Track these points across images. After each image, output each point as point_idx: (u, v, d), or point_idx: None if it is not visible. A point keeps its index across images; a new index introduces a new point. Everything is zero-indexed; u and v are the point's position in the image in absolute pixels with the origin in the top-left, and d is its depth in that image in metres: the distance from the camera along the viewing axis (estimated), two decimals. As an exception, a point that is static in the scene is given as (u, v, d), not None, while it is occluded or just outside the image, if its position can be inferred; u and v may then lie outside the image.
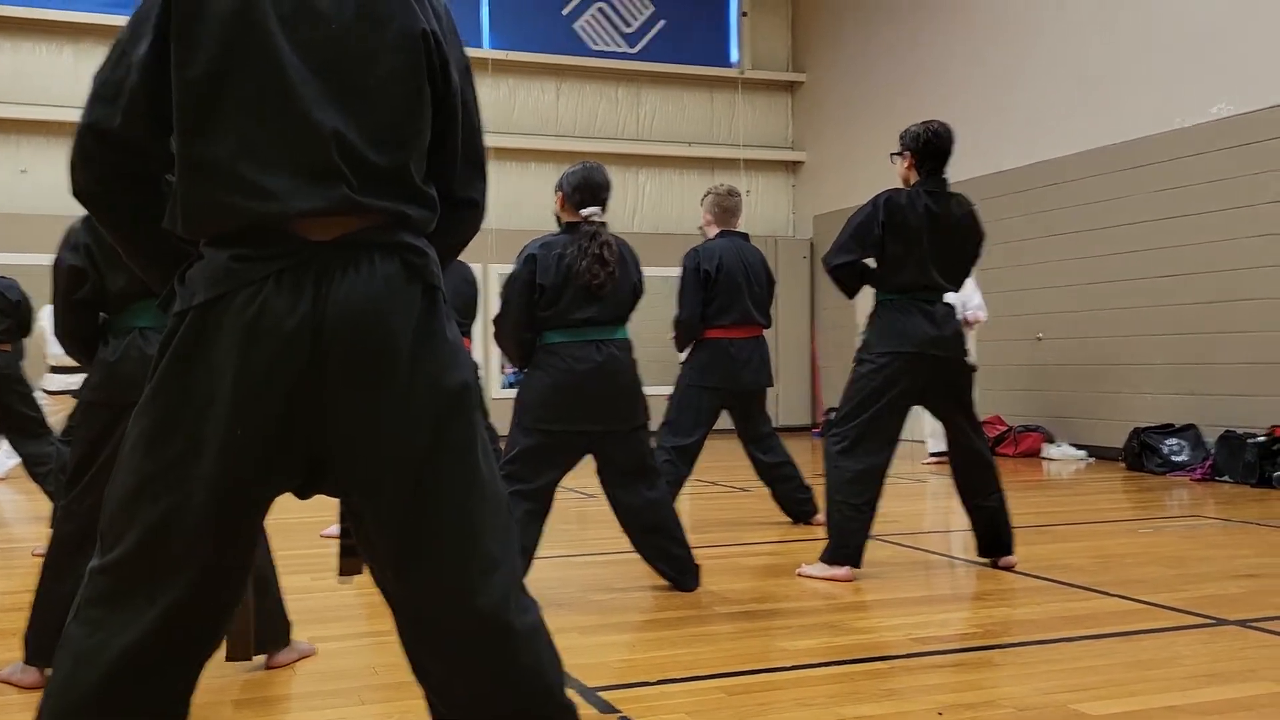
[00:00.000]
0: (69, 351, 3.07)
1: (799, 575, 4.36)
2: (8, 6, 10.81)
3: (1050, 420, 9.70)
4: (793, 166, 13.72)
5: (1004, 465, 8.50)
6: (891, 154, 4.50)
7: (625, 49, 12.97)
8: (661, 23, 13.06)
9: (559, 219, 4.06)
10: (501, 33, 12.41)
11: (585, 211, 3.93)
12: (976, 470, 4.47)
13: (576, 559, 4.87)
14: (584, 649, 3.31)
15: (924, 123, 4.42)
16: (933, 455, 8.85)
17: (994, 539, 4.53)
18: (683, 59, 13.10)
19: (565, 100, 12.76)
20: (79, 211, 3.11)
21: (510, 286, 3.91)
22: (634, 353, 4.05)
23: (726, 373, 5.47)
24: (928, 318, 4.31)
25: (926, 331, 4.28)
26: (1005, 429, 9.63)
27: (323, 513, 5.43)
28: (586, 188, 3.94)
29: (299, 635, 3.29)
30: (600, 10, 12.87)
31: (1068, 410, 9.60)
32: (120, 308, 2.95)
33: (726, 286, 5.44)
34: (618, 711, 2.69)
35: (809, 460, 9.67)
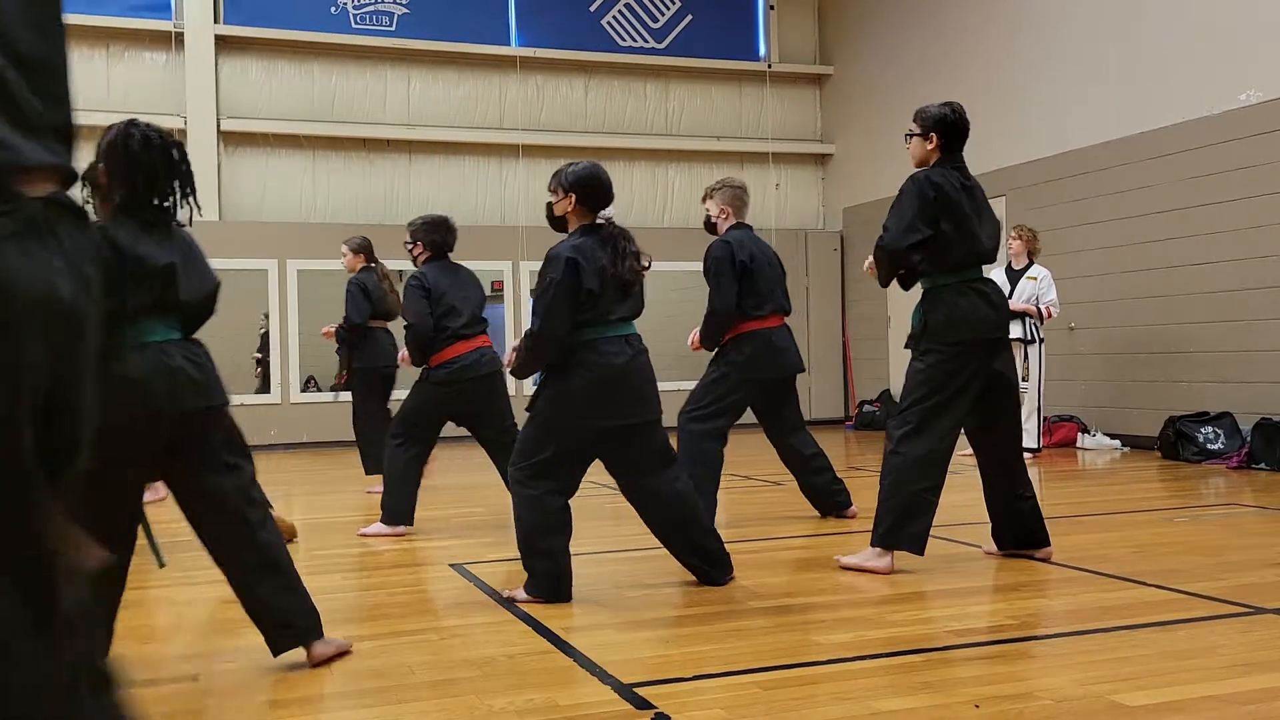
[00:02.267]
0: None
1: (840, 566, 4.35)
2: (42, 15, 10.92)
3: (1084, 410, 9.62)
4: (821, 159, 13.66)
5: (1038, 456, 8.46)
6: (908, 134, 4.42)
7: (653, 44, 12.96)
8: (689, 18, 13.05)
9: (557, 218, 4.03)
10: (529, 30, 12.44)
11: (607, 214, 3.96)
12: (1014, 462, 4.44)
13: (609, 555, 4.89)
14: (619, 645, 3.33)
15: (942, 104, 4.38)
16: None
17: (1027, 534, 4.50)
18: (710, 53, 13.08)
19: (593, 96, 12.77)
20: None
21: (556, 294, 3.83)
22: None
23: (774, 363, 5.45)
24: (985, 299, 4.29)
25: (989, 315, 4.26)
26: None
27: (359, 512, 5.49)
28: (602, 190, 3.97)
29: (336, 634, 3.33)
30: (627, 6, 12.88)
31: (1102, 400, 9.52)
32: None
33: (763, 276, 5.42)
34: (654, 708, 2.70)
35: (841, 454, 9.64)
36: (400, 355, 6.24)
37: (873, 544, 4.29)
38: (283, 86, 11.82)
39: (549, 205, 4.08)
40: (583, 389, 3.86)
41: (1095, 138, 9.50)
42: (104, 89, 11.18)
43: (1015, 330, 8.43)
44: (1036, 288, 8.56)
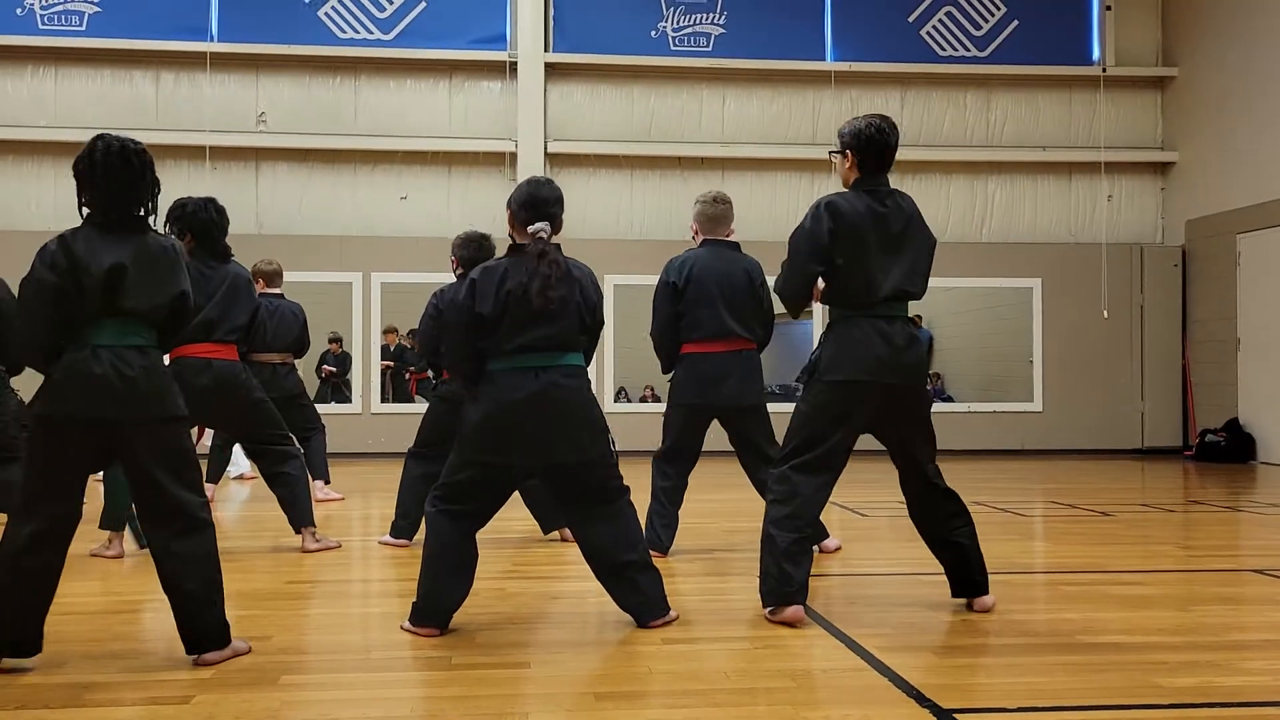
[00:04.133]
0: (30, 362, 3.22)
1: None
2: (392, 49, 12.00)
3: None
4: (1162, 168, 12.68)
5: None
6: (830, 152, 4.08)
7: (975, 53, 12.52)
8: (1015, 23, 12.51)
9: (512, 238, 3.73)
10: (845, 44, 12.34)
11: (535, 228, 3.60)
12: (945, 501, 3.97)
13: (917, 577, 4.72)
14: (935, 669, 3.21)
15: (866, 117, 3.98)
16: None
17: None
18: (1038, 59, 12.48)
19: (910, 109, 12.49)
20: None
21: (449, 316, 3.76)
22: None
23: (698, 391, 5.12)
24: (884, 338, 3.80)
25: (882, 355, 3.78)
26: None
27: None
28: (532, 205, 3.64)
29: (670, 636, 3.39)
30: (948, 14, 12.51)
31: None
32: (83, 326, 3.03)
33: (700, 298, 5.09)
34: (975, 736, 2.58)
35: (1178, 486, 8.84)
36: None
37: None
38: (604, 109, 12.36)
39: None
40: (472, 423, 3.60)
41: None
42: (446, 117, 12.13)
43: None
44: None
